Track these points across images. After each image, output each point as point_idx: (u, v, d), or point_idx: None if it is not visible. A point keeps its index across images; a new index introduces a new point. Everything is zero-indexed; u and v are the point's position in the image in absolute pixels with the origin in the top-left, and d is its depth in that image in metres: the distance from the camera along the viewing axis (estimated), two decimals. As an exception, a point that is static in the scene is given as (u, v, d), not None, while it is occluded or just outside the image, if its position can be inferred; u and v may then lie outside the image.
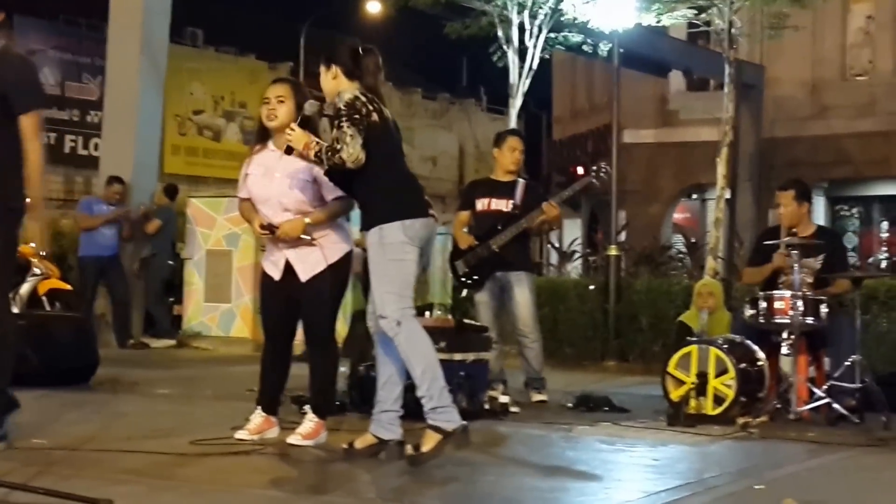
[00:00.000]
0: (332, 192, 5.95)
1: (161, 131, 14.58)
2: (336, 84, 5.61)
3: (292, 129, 5.58)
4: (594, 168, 8.53)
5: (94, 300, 12.76)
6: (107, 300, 13.11)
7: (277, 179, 5.98)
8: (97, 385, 8.57)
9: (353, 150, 5.31)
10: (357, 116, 5.35)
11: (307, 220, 5.91)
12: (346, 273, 6.12)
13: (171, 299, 13.71)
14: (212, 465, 5.35)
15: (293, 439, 5.92)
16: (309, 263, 5.98)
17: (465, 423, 5.37)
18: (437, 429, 5.31)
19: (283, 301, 6.07)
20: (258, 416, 6.14)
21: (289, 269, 6.02)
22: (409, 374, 5.49)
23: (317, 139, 5.51)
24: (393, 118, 5.63)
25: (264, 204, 6.01)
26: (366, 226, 5.54)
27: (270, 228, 5.92)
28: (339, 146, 5.31)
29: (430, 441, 5.31)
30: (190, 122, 32.65)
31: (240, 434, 6.04)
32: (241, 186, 6.19)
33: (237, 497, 4.77)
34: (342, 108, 5.39)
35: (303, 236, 5.91)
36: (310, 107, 5.80)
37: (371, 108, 5.41)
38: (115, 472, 5.03)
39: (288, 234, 5.89)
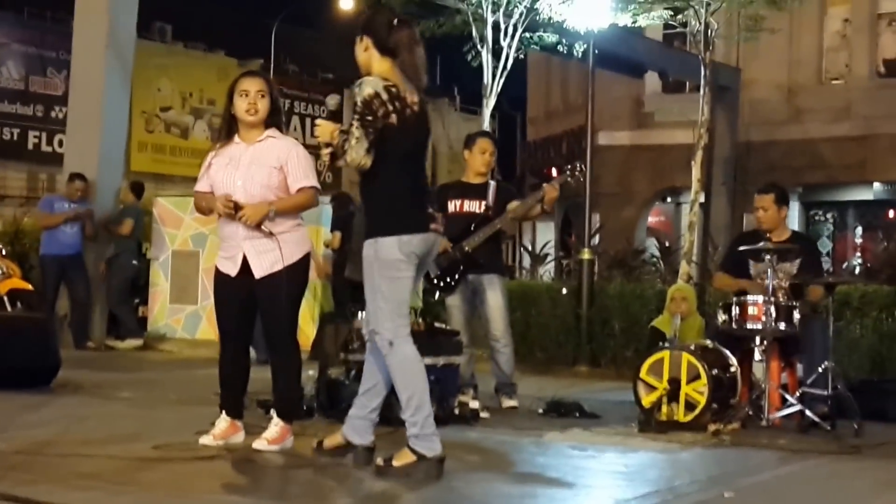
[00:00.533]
0: (298, 182, 5.91)
1: (127, 128, 14.39)
2: (367, 57, 5.35)
3: (318, 124, 5.39)
4: (569, 167, 8.44)
5: (55, 300, 12.53)
6: (68, 301, 12.88)
7: (244, 167, 5.89)
8: (58, 387, 8.43)
9: (354, 155, 5.14)
10: (370, 118, 5.13)
11: (272, 207, 5.83)
12: (304, 276, 6.04)
13: (136, 300, 13.49)
14: (173, 471, 5.30)
15: (259, 444, 5.83)
16: (266, 261, 5.89)
17: (443, 455, 5.23)
18: (414, 450, 5.21)
19: (239, 300, 5.99)
20: (223, 422, 6.05)
21: (245, 266, 5.93)
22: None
23: (343, 131, 5.26)
24: (423, 108, 5.36)
25: (228, 192, 5.89)
26: (366, 233, 5.37)
27: (236, 206, 5.79)
28: (346, 147, 5.17)
29: (404, 458, 5.22)
30: (157, 118, 32.48)
31: (204, 439, 5.95)
32: (202, 178, 6.06)
33: (195, 503, 4.71)
34: (358, 103, 5.17)
35: (263, 226, 5.82)
36: (332, 100, 5.60)
37: (390, 107, 5.18)
38: (75, 478, 4.97)
39: (251, 218, 5.78)
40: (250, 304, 5.99)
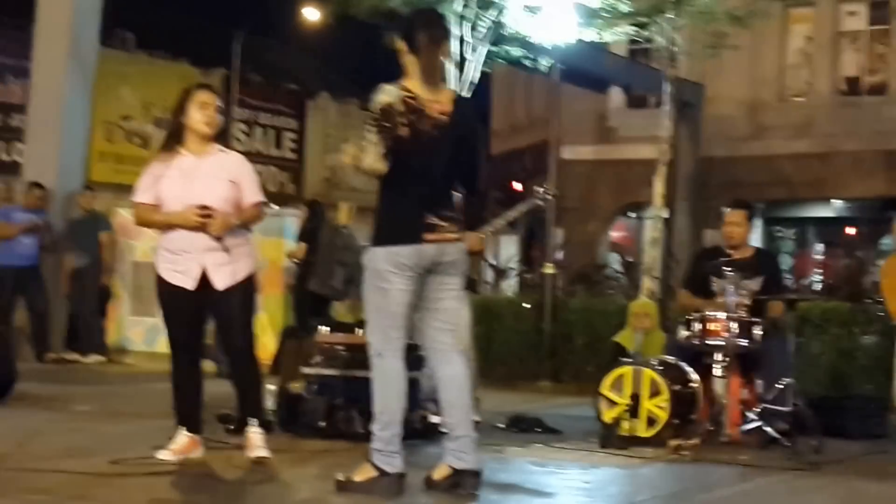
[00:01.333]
0: (252, 196, 5.98)
1: (88, 137, 14.26)
2: (408, 60, 5.29)
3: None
4: (540, 189, 8.40)
5: (11, 312, 12.31)
6: (26, 312, 12.68)
7: (200, 180, 5.87)
8: (14, 400, 8.31)
9: (370, 160, 5.10)
10: (387, 125, 5.09)
11: (234, 220, 5.87)
12: (253, 290, 6.11)
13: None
14: (131, 486, 5.25)
15: (261, 453, 5.88)
16: (226, 274, 5.92)
17: (404, 472, 5.21)
18: (374, 465, 5.18)
19: (191, 313, 5.99)
20: (182, 437, 6.01)
21: (201, 279, 5.91)
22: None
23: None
24: (454, 114, 5.28)
25: (189, 204, 5.85)
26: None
27: (207, 213, 5.78)
28: (364, 154, 5.13)
29: (364, 473, 5.19)
30: (118, 128, 32.17)
31: (162, 454, 5.89)
32: (146, 189, 5.96)
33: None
34: (377, 112, 5.13)
35: (223, 239, 5.84)
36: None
37: (403, 120, 5.12)
38: (31, 493, 4.93)
39: (220, 228, 5.79)
40: (202, 317, 6.04)
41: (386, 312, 5.21)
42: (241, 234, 5.98)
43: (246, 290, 5.98)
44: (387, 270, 5.16)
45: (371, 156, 5.09)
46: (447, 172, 5.34)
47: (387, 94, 5.13)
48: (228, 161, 5.99)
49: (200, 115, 5.90)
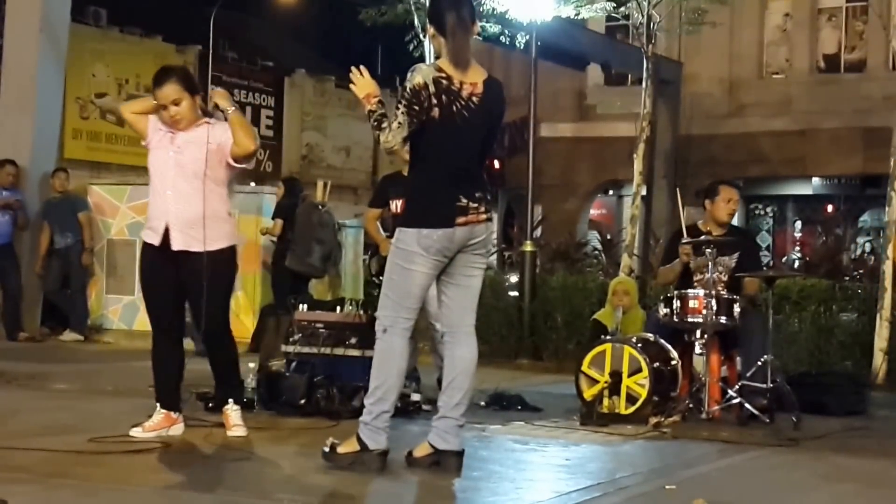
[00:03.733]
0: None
1: (61, 114, 14.11)
2: (437, 43, 5.29)
3: (360, 75, 5.31)
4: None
5: None
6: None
7: (177, 144, 5.91)
8: (-11, 379, 8.28)
9: (390, 138, 5.12)
10: (416, 108, 5.09)
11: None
12: (229, 268, 6.06)
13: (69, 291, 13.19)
14: (111, 464, 5.24)
15: (239, 431, 5.96)
16: (187, 237, 5.89)
17: (387, 449, 5.21)
18: (360, 440, 5.18)
19: (169, 286, 5.99)
20: (158, 414, 6.00)
21: (177, 254, 5.90)
22: (440, 378, 5.31)
23: (379, 98, 5.26)
24: (485, 96, 5.26)
25: (163, 173, 5.92)
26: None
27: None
28: (384, 125, 5.13)
29: (349, 446, 5.20)
30: (92, 105, 31.93)
31: (135, 432, 5.89)
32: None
33: (135, 496, 4.67)
34: (407, 90, 5.11)
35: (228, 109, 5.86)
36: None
37: (434, 100, 5.11)
38: (10, 471, 4.91)
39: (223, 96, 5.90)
40: (177, 290, 6.00)
41: (402, 291, 5.22)
42: (220, 207, 5.95)
43: (217, 263, 5.91)
44: (415, 252, 5.17)
45: (395, 135, 5.12)
46: (479, 153, 5.36)
47: (420, 74, 5.14)
48: (213, 130, 5.93)
49: (164, 115, 5.91)
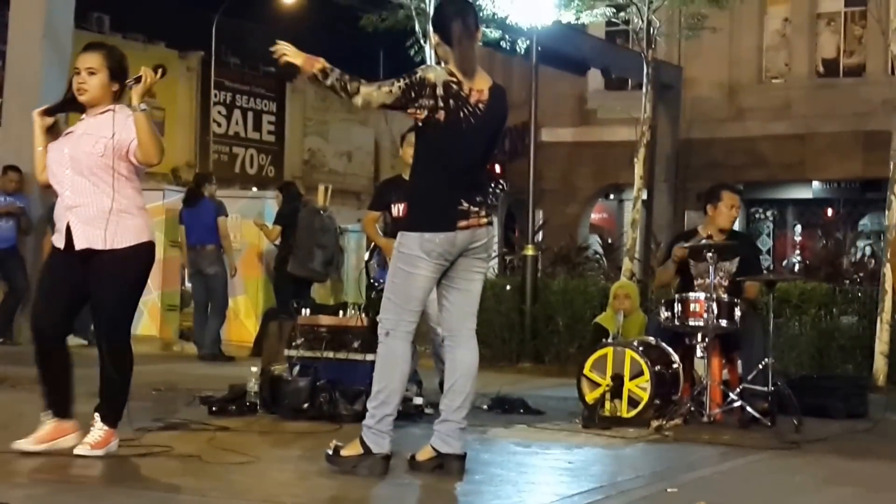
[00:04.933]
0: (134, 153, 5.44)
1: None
2: (442, 51, 5.30)
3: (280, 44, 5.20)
4: (492, 184, 8.42)
5: None
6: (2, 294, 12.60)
7: (75, 137, 5.48)
8: (-3, 383, 8.28)
9: (375, 95, 5.07)
10: (412, 94, 5.07)
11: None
12: (136, 266, 5.53)
13: None
14: (117, 468, 5.23)
15: (81, 450, 5.37)
16: (88, 235, 5.42)
17: (390, 453, 5.23)
18: (364, 443, 5.20)
19: (64, 289, 5.51)
20: (48, 423, 5.51)
21: (80, 253, 5.45)
22: (441, 382, 5.33)
23: (324, 67, 5.09)
24: (491, 102, 5.28)
25: (59, 172, 5.45)
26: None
27: (137, 78, 5.36)
28: (360, 82, 5.05)
29: (353, 449, 5.21)
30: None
31: (21, 444, 5.41)
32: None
33: (139, 500, 4.66)
34: (416, 75, 5.10)
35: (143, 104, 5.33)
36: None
37: (442, 104, 5.12)
38: (14, 475, 4.93)
39: (138, 93, 5.31)
40: (81, 296, 5.52)
41: (405, 295, 5.24)
42: (125, 201, 5.45)
43: (121, 262, 5.43)
44: (417, 256, 5.19)
45: (376, 94, 5.08)
46: (481, 158, 5.39)
47: (433, 73, 5.17)
48: (115, 119, 5.42)
49: (74, 82, 5.52)
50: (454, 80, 5.19)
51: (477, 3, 15.38)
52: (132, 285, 5.56)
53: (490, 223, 5.37)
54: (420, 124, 5.22)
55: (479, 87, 5.28)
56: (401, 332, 5.26)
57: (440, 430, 5.31)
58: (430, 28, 5.44)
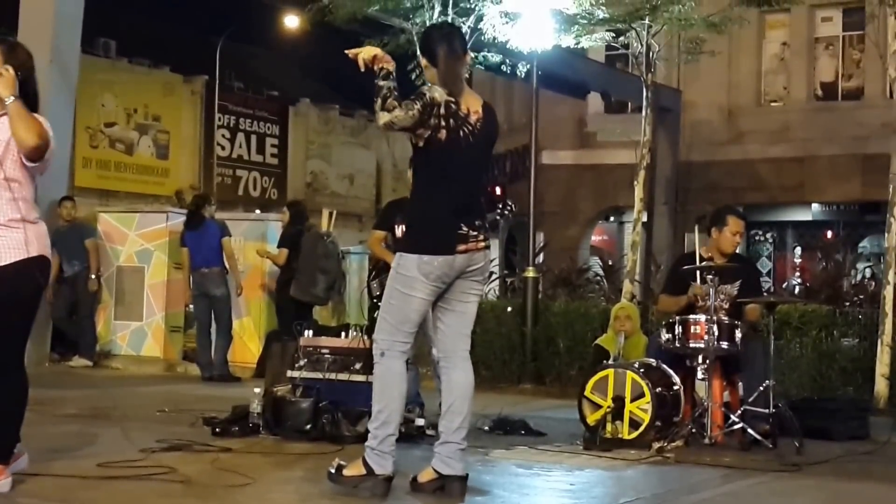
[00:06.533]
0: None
1: (71, 143, 14.24)
2: (430, 74, 5.34)
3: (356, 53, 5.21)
4: (500, 205, 8.46)
5: None
6: None
7: None
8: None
9: (399, 116, 5.06)
10: (426, 116, 5.11)
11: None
12: (20, 284, 5.01)
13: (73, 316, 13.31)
14: (119, 489, 5.25)
15: None
16: None
17: (392, 475, 5.24)
18: (366, 464, 5.21)
19: None
20: None
21: None
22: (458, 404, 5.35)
23: (391, 71, 5.15)
24: (485, 122, 5.35)
25: None
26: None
27: None
28: (395, 102, 5.05)
29: (355, 469, 5.23)
30: (101, 134, 32.18)
31: None
32: None
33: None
34: (426, 96, 5.13)
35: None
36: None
37: (444, 123, 5.17)
38: (19, 496, 4.93)
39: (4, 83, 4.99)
40: None
41: (401, 316, 5.27)
42: (8, 213, 5.02)
43: (5, 281, 4.94)
44: (415, 278, 5.22)
45: (403, 116, 5.08)
46: (479, 178, 5.46)
47: (437, 93, 5.21)
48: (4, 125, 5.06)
49: None
50: (452, 100, 5.24)
51: (478, 27, 15.48)
52: (18, 306, 5.03)
53: (487, 247, 5.40)
54: (420, 144, 5.25)
55: (475, 107, 5.33)
56: (396, 351, 5.29)
57: (440, 451, 5.34)
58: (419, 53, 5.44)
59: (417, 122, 5.14)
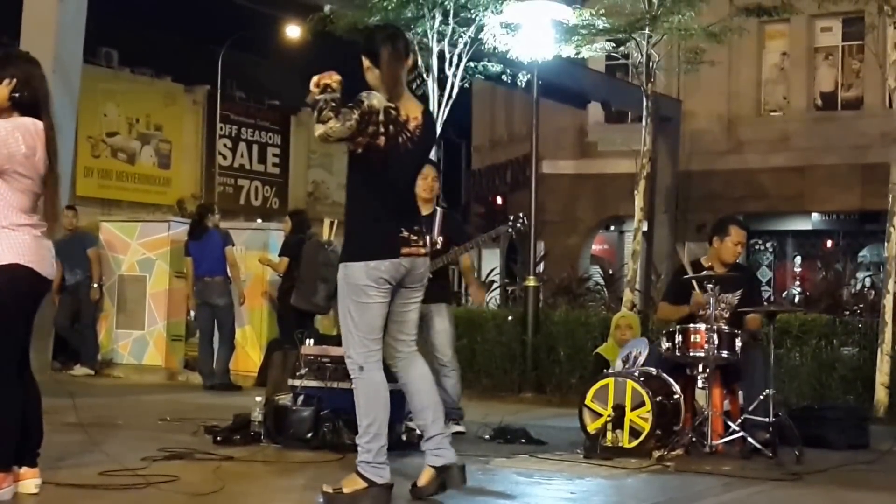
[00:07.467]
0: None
1: (73, 153, 14.27)
2: (371, 75, 5.33)
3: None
4: (512, 218, 8.48)
5: None
6: None
7: None
8: (3, 413, 8.29)
9: (337, 128, 5.05)
10: (363, 124, 5.11)
11: None
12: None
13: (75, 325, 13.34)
14: (121, 498, 5.25)
15: None
16: None
17: (391, 483, 5.24)
18: (364, 476, 5.20)
19: None
20: None
21: None
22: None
23: (335, 93, 5.12)
24: (424, 127, 5.37)
25: None
26: (340, 257, 5.39)
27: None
28: (335, 114, 5.04)
29: (353, 484, 5.20)
30: (103, 144, 32.23)
31: None
32: None
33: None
34: (364, 104, 5.13)
35: None
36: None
37: (382, 130, 5.17)
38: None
39: None
40: None
41: (366, 327, 5.25)
42: None
43: None
44: (367, 285, 5.20)
45: (342, 127, 5.06)
46: (413, 184, 5.52)
47: (376, 100, 5.20)
48: None
49: None
50: (392, 106, 5.24)
51: (479, 37, 15.54)
52: None
53: (427, 254, 5.42)
54: (359, 151, 5.23)
55: (414, 113, 5.34)
56: (372, 362, 5.28)
57: (428, 447, 5.36)
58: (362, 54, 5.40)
59: (356, 132, 5.13)
